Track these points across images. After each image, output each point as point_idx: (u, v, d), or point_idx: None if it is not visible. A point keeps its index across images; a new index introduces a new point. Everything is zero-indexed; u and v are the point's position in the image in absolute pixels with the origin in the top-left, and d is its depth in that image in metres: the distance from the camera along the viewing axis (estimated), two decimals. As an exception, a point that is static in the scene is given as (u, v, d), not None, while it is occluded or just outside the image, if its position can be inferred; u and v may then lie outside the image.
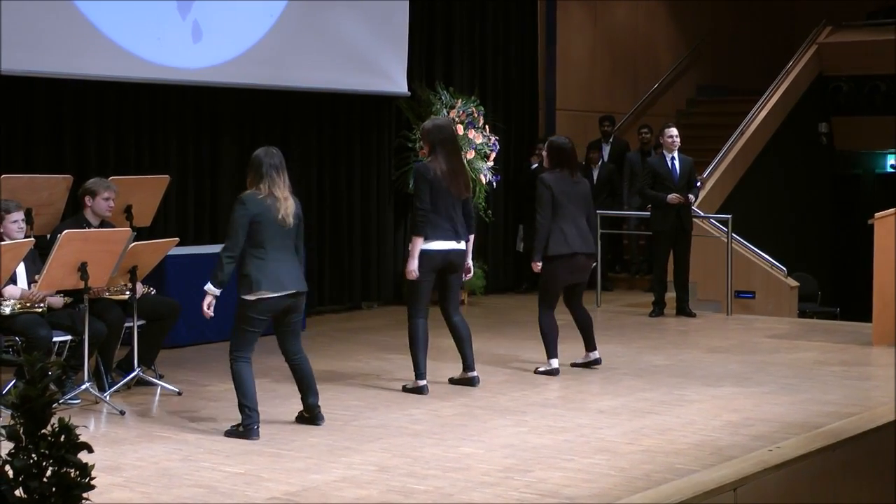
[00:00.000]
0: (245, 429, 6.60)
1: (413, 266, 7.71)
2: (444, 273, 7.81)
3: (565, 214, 8.38)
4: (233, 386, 6.69)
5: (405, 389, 7.89)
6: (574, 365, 8.75)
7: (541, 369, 8.57)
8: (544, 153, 8.74)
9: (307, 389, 6.91)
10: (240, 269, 6.64)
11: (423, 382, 7.83)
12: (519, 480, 5.74)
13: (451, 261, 7.79)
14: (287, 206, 6.65)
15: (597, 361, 8.79)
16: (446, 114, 12.02)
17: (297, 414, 7.01)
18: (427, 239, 7.68)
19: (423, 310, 7.79)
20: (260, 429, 6.60)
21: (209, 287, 6.63)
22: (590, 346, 8.79)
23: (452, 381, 8.10)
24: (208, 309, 6.67)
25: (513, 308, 12.36)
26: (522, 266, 12.97)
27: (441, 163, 7.67)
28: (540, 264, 8.45)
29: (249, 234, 6.57)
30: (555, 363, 8.51)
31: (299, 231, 6.78)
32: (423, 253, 7.69)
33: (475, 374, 8.06)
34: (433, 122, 8.04)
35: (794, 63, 16.74)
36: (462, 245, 7.81)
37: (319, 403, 6.93)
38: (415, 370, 7.84)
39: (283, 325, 6.84)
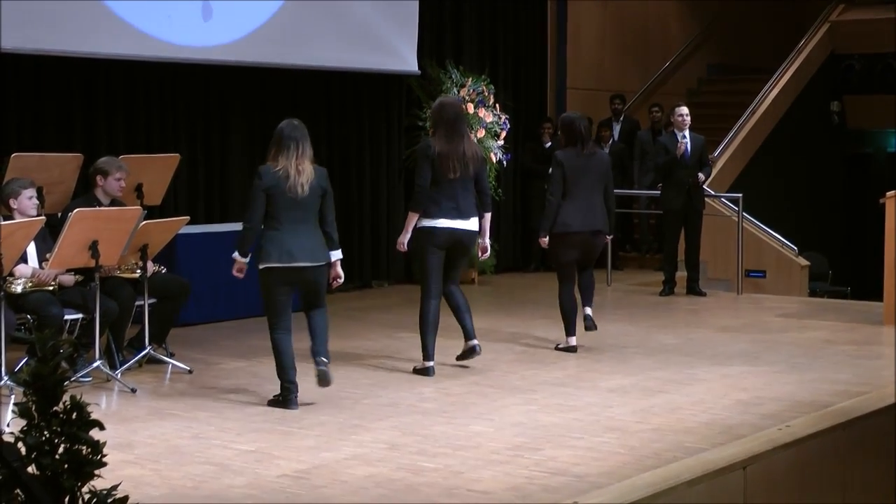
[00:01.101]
0: (283, 399, 6.81)
1: (404, 239, 7.76)
2: (450, 251, 7.78)
3: (576, 192, 8.42)
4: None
5: (415, 371, 7.90)
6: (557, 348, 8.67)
7: (560, 346, 8.63)
8: (559, 132, 8.75)
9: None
10: (259, 241, 6.82)
11: (430, 364, 7.83)
12: (529, 459, 5.76)
13: (458, 239, 7.73)
14: (301, 177, 6.69)
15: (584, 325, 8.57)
16: (456, 92, 11.99)
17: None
18: (433, 216, 7.66)
19: (435, 290, 7.78)
20: (297, 398, 6.79)
21: (235, 255, 6.89)
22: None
23: (459, 359, 7.97)
24: (238, 273, 6.92)
25: (522, 287, 12.36)
26: (532, 245, 12.96)
27: (443, 141, 7.66)
28: (546, 239, 8.49)
29: (266, 206, 6.71)
30: (573, 341, 8.56)
31: (325, 203, 6.85)
32: (430, 230, 7.67)
33: (475, 342, 7.86)
34: (438, 101, 8.11)
35: (805, 41, 16.63)
36: (468, 224, 7.73)
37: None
38: (423, 351, 7.84)
39: (303, 297, 6.97)
